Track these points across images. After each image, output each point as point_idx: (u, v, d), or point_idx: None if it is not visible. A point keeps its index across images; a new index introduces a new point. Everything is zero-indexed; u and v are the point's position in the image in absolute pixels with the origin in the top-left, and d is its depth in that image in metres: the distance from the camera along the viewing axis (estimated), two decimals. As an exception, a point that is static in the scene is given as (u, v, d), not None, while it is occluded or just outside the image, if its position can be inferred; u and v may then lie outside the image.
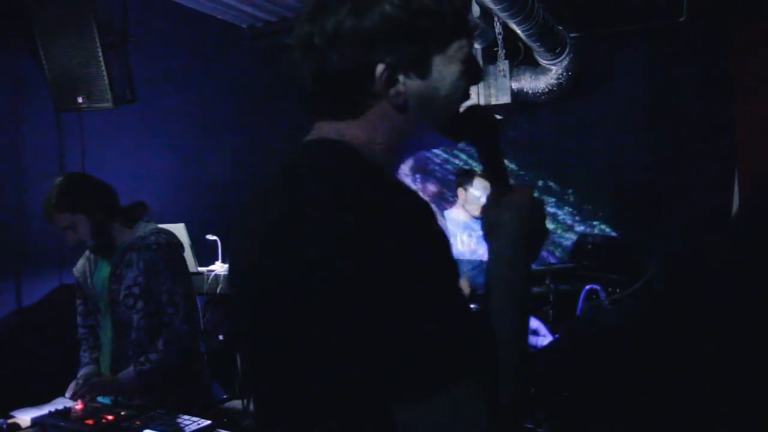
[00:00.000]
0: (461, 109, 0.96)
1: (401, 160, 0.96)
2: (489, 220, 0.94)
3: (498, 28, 4.02)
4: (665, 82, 4.44)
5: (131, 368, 2.25)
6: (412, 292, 0.74)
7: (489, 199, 0.98)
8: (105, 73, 2.94)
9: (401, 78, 0.87)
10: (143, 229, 2.36)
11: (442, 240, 0.80)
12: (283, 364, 0.85)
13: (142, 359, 2.25)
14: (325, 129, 0.91)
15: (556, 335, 3.27)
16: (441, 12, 0.88)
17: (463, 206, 3.93)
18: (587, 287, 3.58)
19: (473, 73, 0.93)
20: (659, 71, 4.47)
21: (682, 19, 4.14)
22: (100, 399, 2.23)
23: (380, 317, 0.74)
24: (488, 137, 0.96)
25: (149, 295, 2.28)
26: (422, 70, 0.88)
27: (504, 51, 4.21)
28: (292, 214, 0.82)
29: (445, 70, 0.89)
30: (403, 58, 0.86)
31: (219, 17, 3.83)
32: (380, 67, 0.86)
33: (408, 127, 0.90)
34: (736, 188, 4.03)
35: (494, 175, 0.97)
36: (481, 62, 4.45)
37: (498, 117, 4.76)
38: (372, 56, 0.86)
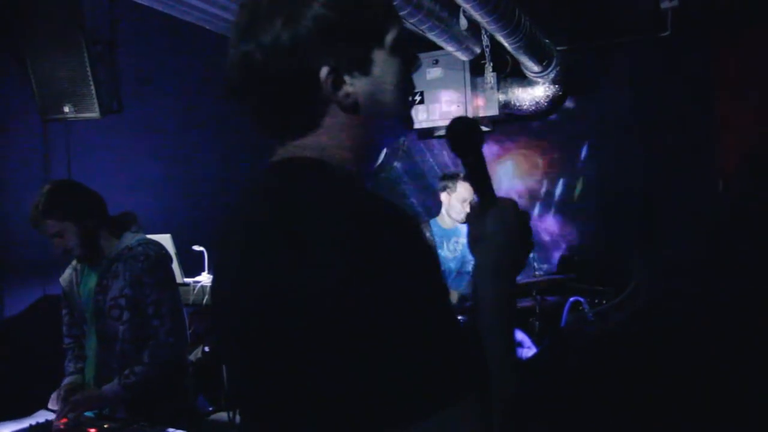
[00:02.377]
0: (448, 121, 0.96)
1: (373, 162, 0.96)
2: (474, 231, 0.94)
3: (485, 41, 4.06)
4: (650, 94, 4.51)
5: (116, 381, 2.22)
6: (403, 303, 0.74)
7: (473, 210, 0.97)
8: (92, 82, 2.92)
9: (347, 78, 0.87)
10: (131, 239, 2.34)
11: (430, 251, 0.80)
12: (269, 373, 0.85)
13: (126, 372, 2.22)
14: (291, 149, 0.90)
15: (541, 347, 3.29)
16: (370, 4, 0.89)
17: (447, 213, 3.89)
18: (571, 299, 3.60)
19: (411, 59, 0.93)
20: (644, 84, 4.54)
21: (665, 34, 4.23)
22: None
23: (371, 327, 0.73)
24: (472, 147, 0.96)
25: (135, 307, 2.26)
26: (365, 66, 0.88)
27: (491, 64, 4.25)
28: (278, 230, 0.81)
29: (387, 62, 0.89)
30: (344, 58, 0.86)
31: (208, 28, 3.83)
32: (324, 71, 0.85)
33: (366, 126, 0.90)
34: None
35: (479, 186, 0.96)
36: (469, 73, 4.51)
37: (485, 129, 4.80)
38: (314, 61, 0.85)
